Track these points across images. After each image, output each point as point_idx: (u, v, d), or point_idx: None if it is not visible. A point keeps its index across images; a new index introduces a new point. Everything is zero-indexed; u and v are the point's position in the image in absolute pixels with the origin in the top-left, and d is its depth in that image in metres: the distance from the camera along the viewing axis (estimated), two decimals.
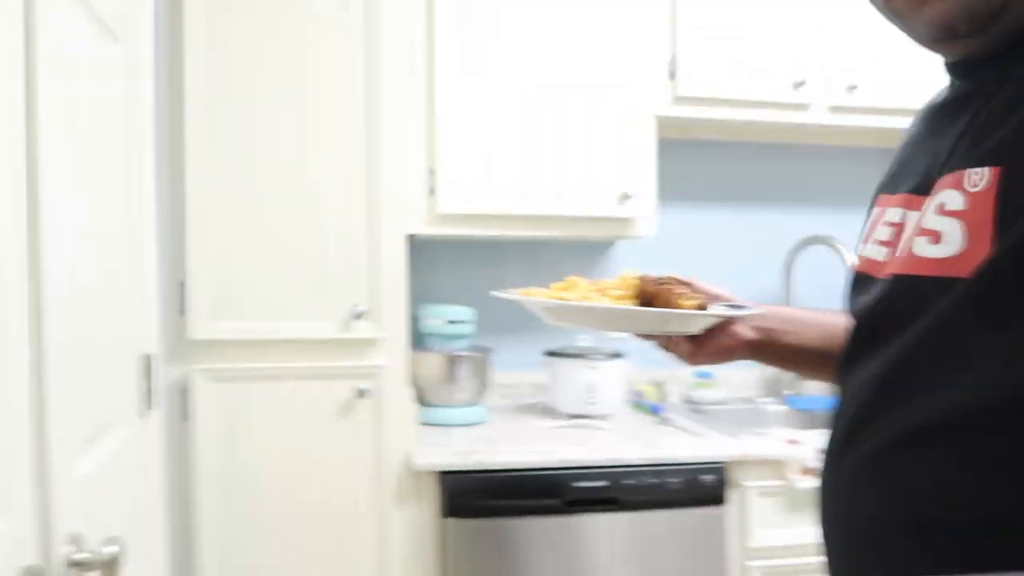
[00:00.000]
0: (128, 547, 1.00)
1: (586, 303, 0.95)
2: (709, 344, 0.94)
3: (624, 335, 1.05)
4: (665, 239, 2.49)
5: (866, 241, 0.75)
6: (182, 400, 1.71)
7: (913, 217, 0.68)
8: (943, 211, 0.63)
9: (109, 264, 1.15)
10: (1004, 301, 0.57)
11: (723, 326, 0.93)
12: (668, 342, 0.98)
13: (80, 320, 0.99)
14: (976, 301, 0.59)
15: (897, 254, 0.69)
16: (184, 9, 1.69)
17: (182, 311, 1.71)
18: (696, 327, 0.93)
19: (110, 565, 0.86)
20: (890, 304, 0.68)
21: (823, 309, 1.00)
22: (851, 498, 0.69)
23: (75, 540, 0.86)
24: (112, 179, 1.18)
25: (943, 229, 0.62)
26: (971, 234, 0.59)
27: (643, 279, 0.98)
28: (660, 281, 0.96)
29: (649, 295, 0.95)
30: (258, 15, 1.73)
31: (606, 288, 0.99)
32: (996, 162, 0.59)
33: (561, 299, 0.96)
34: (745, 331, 0.94)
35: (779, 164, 2.66)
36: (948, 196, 0.63)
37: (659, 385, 2.50)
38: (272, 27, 1.74)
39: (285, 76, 1.75)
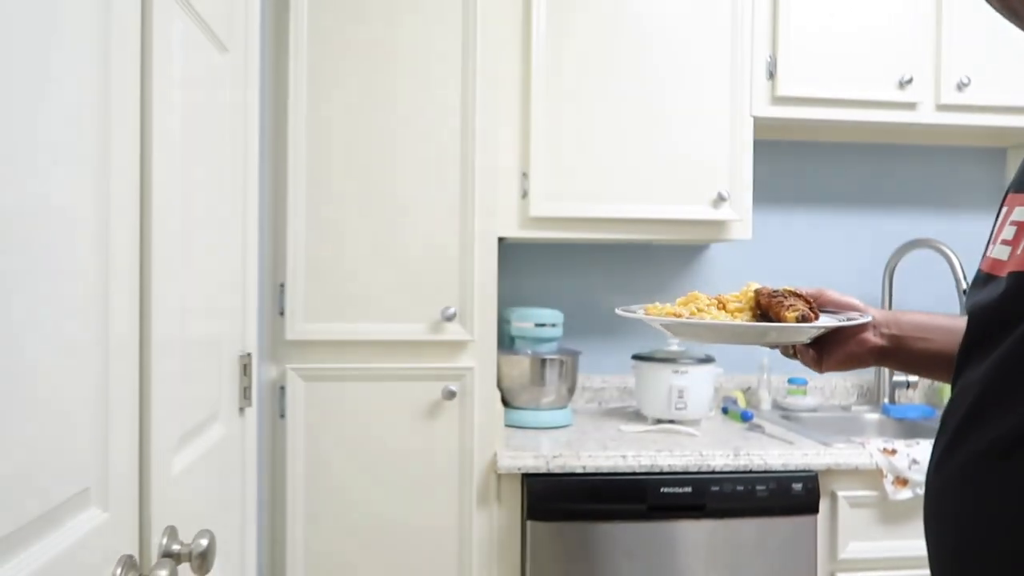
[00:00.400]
0: (220, 540, 1.07)
1: (693, 319, 1.00)
2: (835, 352, 0.97)
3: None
4: (761, 243, 2.44)
5: (993, 242, 0.73)
6: (279, 398, 1.80)
7: None
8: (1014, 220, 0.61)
9: (212, 266, 1.22)
10: None
11: (852, 334, 0.96)
12: (792, 350, 1.02)
13: (183, 320, 1.05)
14: None
15: (1018, 252, 0.67)
16: (289, 19, 1.77)
17: (281, 312, 1.79)
18: (801, 338, 0.97)
19: (202, 557, 0.93)
20: (1004, 303, 0.66)
21: (953, 314, 0.97)
22: (950, 506, 0.68)
23: (170, 532, 0.92)
24: (218, 184, 1.25)
25: None
26: None
27: (758, 292, 1.01)
28: (774, 293, 0.99)
29: (763, 308, 0.99)
30: (355, 22, 1.80)
31: (726, 301, 1.03)
32: None
33: (677, 315, 1.02)
34: (873, 338, 0.96)
35: (881, 165, 2.56)
36: None
37: (750, 391, 2.45)
38: (369, 34, 1.81)
39: (381, 82, 1.81)
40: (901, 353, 0.96)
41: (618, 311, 1.09)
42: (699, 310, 1.02)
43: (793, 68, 2.13)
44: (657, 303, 1.09)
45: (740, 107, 2.10)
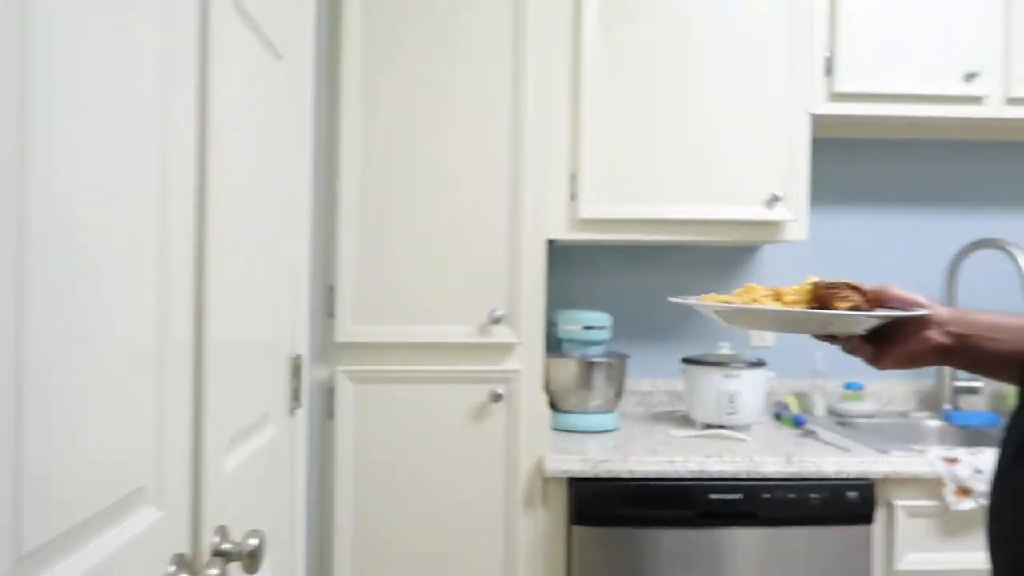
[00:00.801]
0: (269, 540, 1.08)
1: (738, 305, 1.00)
2: (896, 349, 0.94)
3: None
4: (817, 244, 2.39)
5: None
6: (328, 400, 1.82)
7: None
8: None
9: (265, 268, 1.24)
10: None
11: (913, 331, 0.93)
12: (849, 345, 0.99)
13: (237, 322, 1.07)
14: None
15: None
16: (342, 24, 1.79)
17: (331, 314, 1.81)
18: (853, 328, 0.95)
19: (252, 556, 0.94)
20: None
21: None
22: (1008, 528, 0.67)
23: (221, 531, 0.94)
24: (272, 188, 1.27)
25: None
26: None
27: (816, 284, 0.99)
28: (831, 285, 0.97)
29: (819, 299, 0.97)
30: (407, 24, 1.81)
31: (783, 293, 1.01)
32: None
33: (727, 302, 1.01)
34: (938, 336, 0.92)
35: (945, 162, 2.48)
36: None
37: (803, 396, 2.40)
38: (421, 39, 1.82)
39: (433, 87, 1.82)
40: (969, 352, 0.92)
41: (671, 299, 1.09)
42: (753, 300, 1.01)
43: (852, 63, 2.08)
44: (713, 293, 1.08)
45: (797, 104, 2.06)
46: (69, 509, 0.64)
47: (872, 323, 0.94)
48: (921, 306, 0.94)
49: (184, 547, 0.87)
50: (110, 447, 0.71)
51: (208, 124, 0.93)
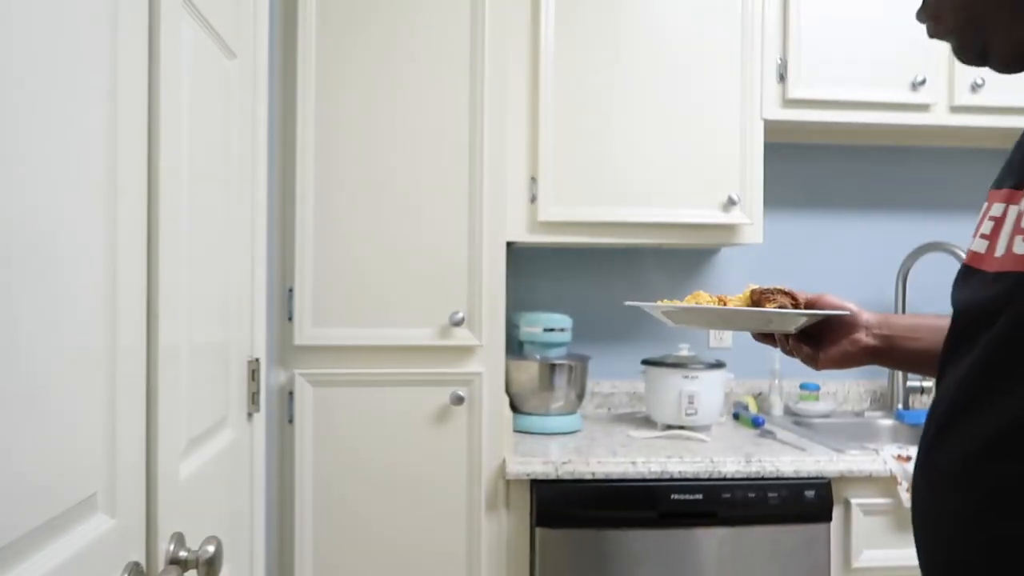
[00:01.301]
0: (227, 546, 1.06)
1: (681, 305, 1.11)
2: (830, 349, 1.04)
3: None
4: (772, 246, 2.42)
5: (974, 235, 0.76)
6: (287, 404, 1.79)
7: (1013, 211, 0.69)
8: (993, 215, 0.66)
9: (220, 271, 1.22)
10: None
11: (845, 333, 1.03)
12: (787, 346, 1.09)
13: (191, 325, 1.05)
14: None
15: (996, 249, 0.70)
16: (297, 24, 1.77)
17: (290, 317, 1.79)
18: (781, 326, 1.06)
19: (209, 564, 0.92)
20: (986, 300, 0.68)
21: (946, 314, 0.98)
22: (933, 505, 0.70)
23: (177, 539, 0.92)
24: (226, 190, 1.25)
25: None
26: None
27: (754, 290, 1.09)
28: (765, 291, 1.07)
29: (754, 303, 1.07)
30: (364, 25, 1.80)
31: (726, 300, 1.11)
32: None
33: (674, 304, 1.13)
34: (866, 338, 1.02)
35: (894, 168, 2.54)
36: None
37: (761, 396, 2.43)
38: (377, 38, 1.80)
39: (389, 86, 1.80)
40: (894, 352, 1.02)
41: (627, 303, 1.21)
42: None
43: (804, 70, 2.11)
44: (666, 299, 1.18)
45: (750, 110, 2.09)
46: (15, 518, 0.62)
47: (800, 321, 1.04)
48: (849, 310, 1.03)
49: (138, 555, 0.84)
50: (57, 453, 0.69)
51: (158, 124, 0.90)
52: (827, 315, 1.03)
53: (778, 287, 1.07)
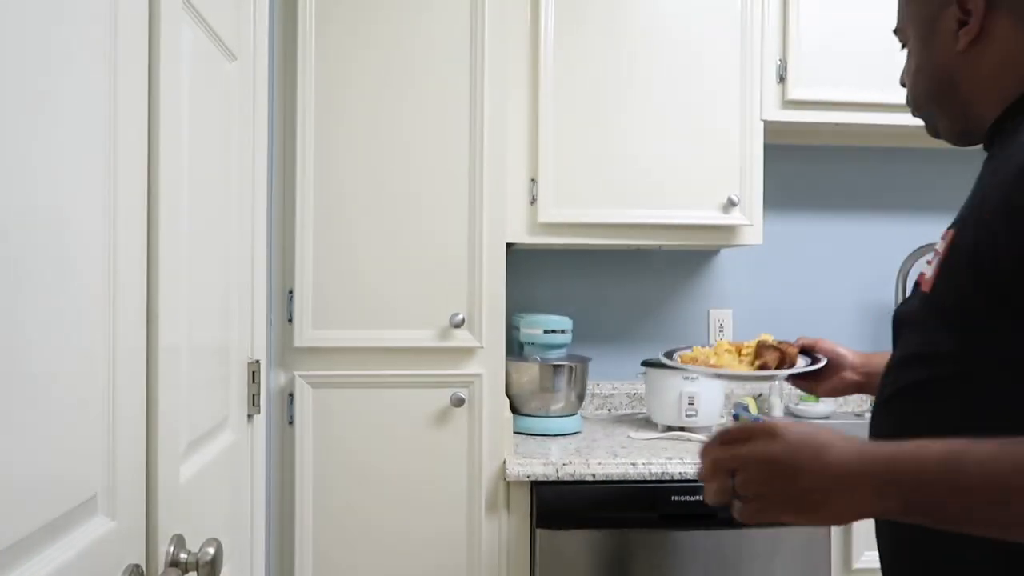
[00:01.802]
0: (227, 548, 1.06)
1: (699, 367, 1.28)
2: (822, 385, 1.23)
3: None
4: (772, 248, 2.42)
5: (929, 261, 0.93)
6: (288, 405, 1.79)
7: (942, 246, 0.89)
8: (936, 249, 0.89)
9: (221, 272, 1.22)
10: (938, 309, 0.85)
11: (835, 372, 1.21)
12: (789, 382, 1.27)
13: (191, 327, 1.05)
14: (931, 309, 0.86)
15: (928, 275, 0.90)
16: (297, 26, 1.77)
17: (290, 319, 1.79)
18: (767, 383, 1.27)
19: (209, 566, 0.92)
20: (909, 309, 0.92)
21: None
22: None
23: (177, 541, 0.92)
24: (226, 191, 1.24)
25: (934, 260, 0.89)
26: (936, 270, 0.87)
27: (760, 342, 1.27)
28: (763, 343, 1.26)
29: (757, 355, 1.26)
30: (364, 25, 1.80)
31: (740, 347, 1.30)
32: (953, 226, 0.88)
33: (700, 360, 1.30)
34: (852, 376, 1.21)
35: (895, 168, 2.54)
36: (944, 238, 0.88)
37: (761, 398, 2.43)
38: (377, 40, 1.80)
39: (391, 89, 1.80)
40: (874, 387, 1.15)
41: (661, 358, 1.36)
42: (715, 353, 1.30)
43: (804, 71, 2.11)
44: (697, 346, 1.36)
45: (750, 111, 2.09)
46: (14, 520, 0.62)
47: (783, 376, 1.23)
48: (837, 355, 1.22)
49: (138, 557, 0.84)
50: (57, 455, 0.69)
51: (158, 126, 0.90)
52: (803, 372, 1.20)
53: (778, 343, 1.24)
